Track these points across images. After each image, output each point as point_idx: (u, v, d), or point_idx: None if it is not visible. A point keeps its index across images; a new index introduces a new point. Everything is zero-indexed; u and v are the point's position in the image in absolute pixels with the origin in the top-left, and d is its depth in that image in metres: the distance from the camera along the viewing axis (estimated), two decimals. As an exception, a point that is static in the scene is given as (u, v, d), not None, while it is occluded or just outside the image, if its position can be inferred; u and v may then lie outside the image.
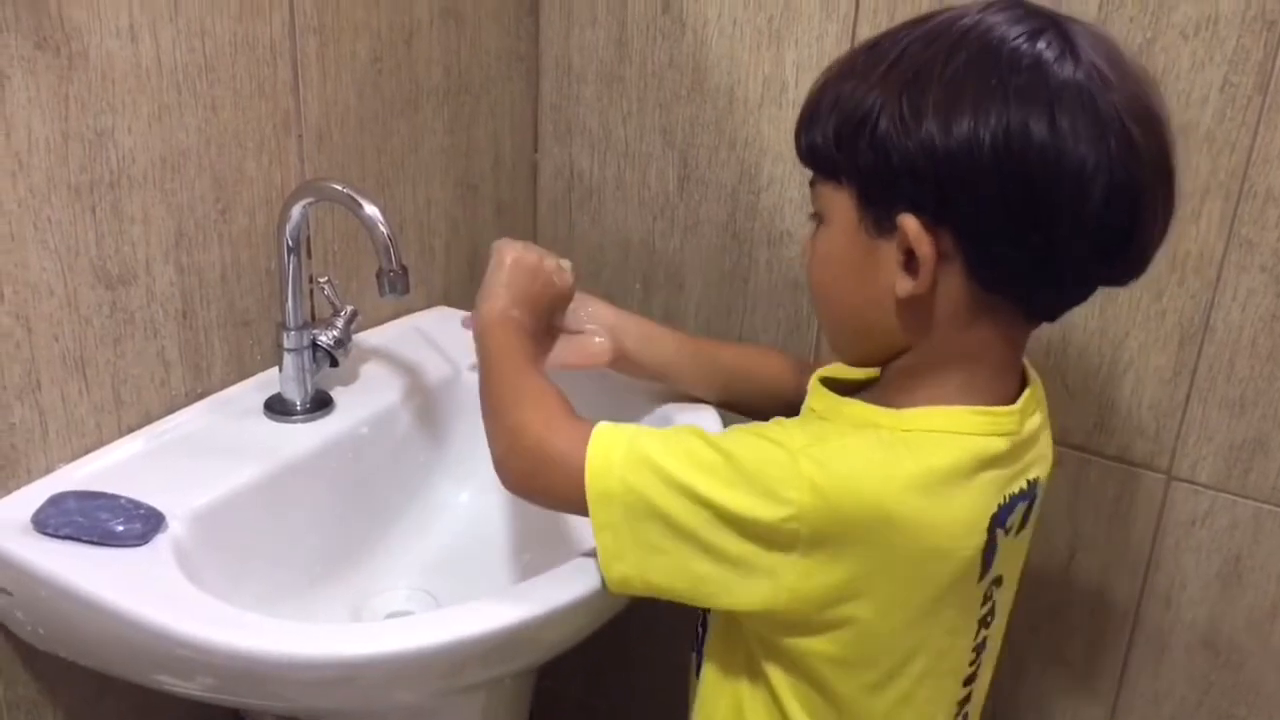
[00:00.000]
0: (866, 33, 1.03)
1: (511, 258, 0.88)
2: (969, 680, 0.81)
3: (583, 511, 0.71)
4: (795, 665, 0.74)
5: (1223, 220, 0.94)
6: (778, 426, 0.73)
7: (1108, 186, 0.65)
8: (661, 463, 0.70)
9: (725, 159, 1.14)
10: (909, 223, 0.67)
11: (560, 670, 0.88)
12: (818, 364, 0.91)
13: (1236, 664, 1.05)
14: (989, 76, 0.65)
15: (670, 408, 0.97)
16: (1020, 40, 0.65)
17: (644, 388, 0.99)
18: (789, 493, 0.67)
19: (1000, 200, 0.65)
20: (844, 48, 1.04)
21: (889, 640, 0.72)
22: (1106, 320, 1.01)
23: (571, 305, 0.93)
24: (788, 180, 1.11)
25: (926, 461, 0.69)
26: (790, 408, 0.93)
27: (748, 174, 1.13)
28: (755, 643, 0.76)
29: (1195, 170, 0.93)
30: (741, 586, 0.70)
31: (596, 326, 0.93)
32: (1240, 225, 0.93)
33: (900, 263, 0.69)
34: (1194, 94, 0.92)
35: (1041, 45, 0.65)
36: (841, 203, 0.71)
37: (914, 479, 0.68)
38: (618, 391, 0.99)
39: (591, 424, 0.73)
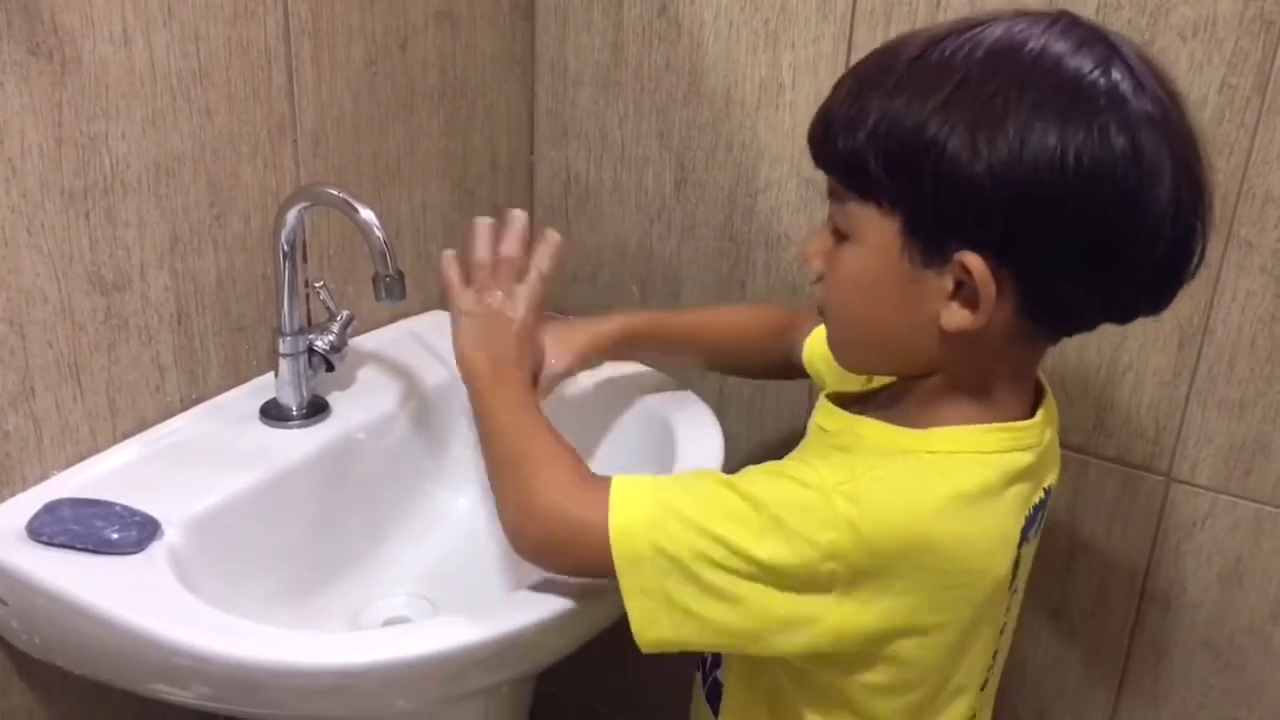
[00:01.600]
0: (863, 35, 1.02)
1: (496, 306, 0.83)
2: (982, 686, 0.80)
3: (607, 576, 0.68)
4: (832, 696, 0.73)
5: (1221, 221, 0.93)
6: (802, 465, 0.70)
7: (1175, 224, 0.64)
8: (690, 518, 0.67)
9: (722, 161, 1.13)
10: (974, 262, 0.64)
11: (560, 674, 0.87)
12: (800, 319, 0.92)
13: (1238, 666, 1.04)
14: (1070, 109, 0.62)
15: (659, 400, 0.98)
16: (1096, 74, 0.63)
17: (625, 384, 1.00)
18: (825, 534, 0.65)
19: (1075, 236, 0.63)
20: (841, 50, 1.04)
21: (934, 666, 0.71)
22: (1105, 322, 1.00)
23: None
24: (785, 183, 1.11)
25: (958, 484, 0.67)
26: (775, 368, 0.95)
27: (745, 176, 1.13)
28: (786, 675, 0.74)
29: (1194, 171, 0.93)
30: (782, 636, 0.68)
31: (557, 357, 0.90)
32: (1239, 226, 0.93)
33: (948, 294, 0.66)
34: (1192, 95, 0.91)
35: (1117, 77, 0.63)
36: (881, 227, 0.67)
37: (947, 503, 0.67)
38: (606, 379, 1.01)
39: (607, 483, 0.70)
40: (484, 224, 0.86)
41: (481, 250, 0.85)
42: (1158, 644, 1.07)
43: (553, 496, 0.71)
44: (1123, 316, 0.71)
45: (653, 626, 0.68)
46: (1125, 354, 1.01)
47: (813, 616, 0.67)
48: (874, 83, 0.67)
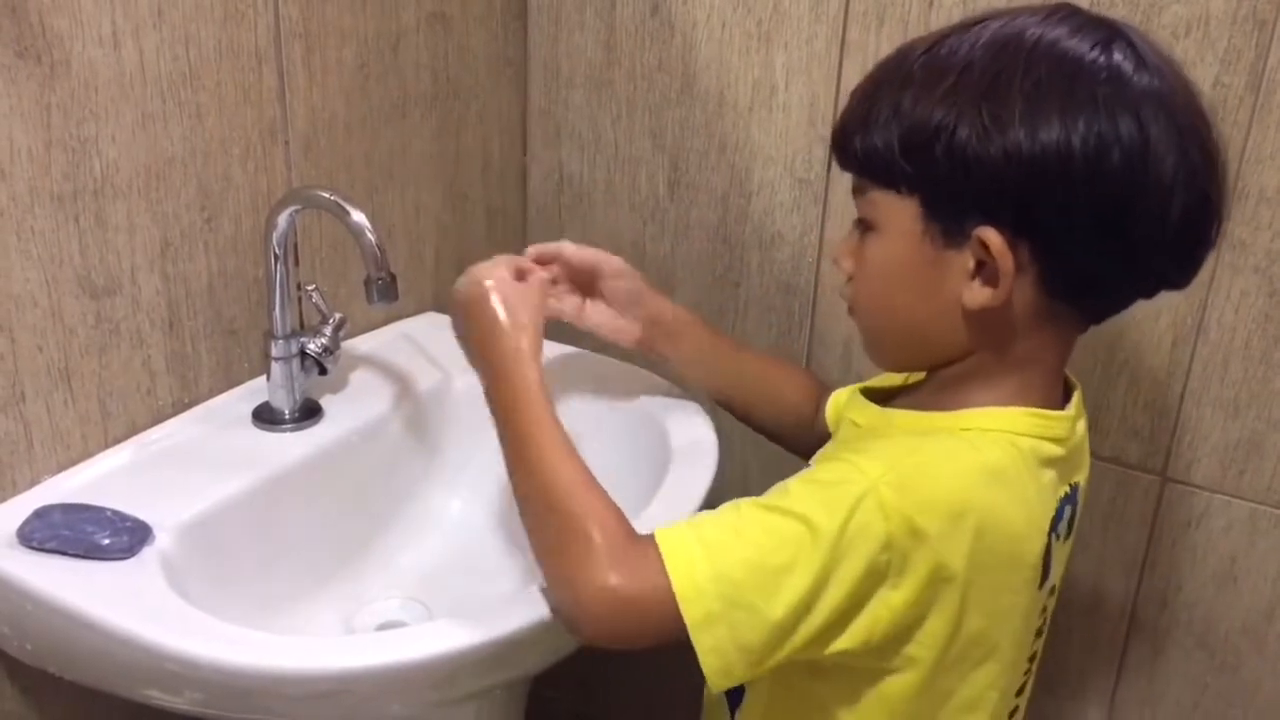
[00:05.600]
0: (856, 35, 1.02)
1: (517, 290, 0.80)
2: (1020, 691, 0.80)
3: (680, 641, 0.65)
4: (855, 678, 0.72)
5: (1215, 220, 0.93)
6: (838, 464, 0.69)
7: (1187, 194, 0.65)
8: (750, 561, 0.65)
9: (715, 163, 1.13)
10: (991, 236, 0.66)
11: (555, 678, 0.87)
12: (833, 386, 0.91)
13: (1232, 666, 1.04)
14: (1074, 87, 0.64)
15: (656, 403, 0.97)
16: (1096, 52, 0.65)
17: (632, 385, 1.00)
18: (877, 527, 0.65)
19: (1086, 210, 0.65)
20: (833, 51, 1.04)
21: (960, 650, 0.71)
22: (1100, 322, 1.00)
23: (614, 275, 0.90)
24: (778, 184, 1.11)
25: (987, 459, 0.68)
26: (798, 424, 0.92)
27: (738, 178, 1.12)
28: (813, 675, 0.73)
29: (1187, 170, 0.93)
30: (843, 638, 0.67)
31: (632, 308, 0.91)
32: (1233, 226, 0.93)
33: (969, 273, 0.68)
34: (1185, 94, 0.91)
35: (1118, 56, 0.65)
36: (902, 212, 0.69)
37: (980, 474, 0.68)
38: (606, 380, 1.01)
39: (650, 544, 0.66)
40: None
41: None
42: (1153, 643, 1.07)
43: (600, 576, 0.66)
44: (1148, 288, 0.72)
45: (727, 678, 0.67)
46: (1120, 353, 1.00)
47: (868, 615, 0.67)
48: (886, 80, 0.70)
